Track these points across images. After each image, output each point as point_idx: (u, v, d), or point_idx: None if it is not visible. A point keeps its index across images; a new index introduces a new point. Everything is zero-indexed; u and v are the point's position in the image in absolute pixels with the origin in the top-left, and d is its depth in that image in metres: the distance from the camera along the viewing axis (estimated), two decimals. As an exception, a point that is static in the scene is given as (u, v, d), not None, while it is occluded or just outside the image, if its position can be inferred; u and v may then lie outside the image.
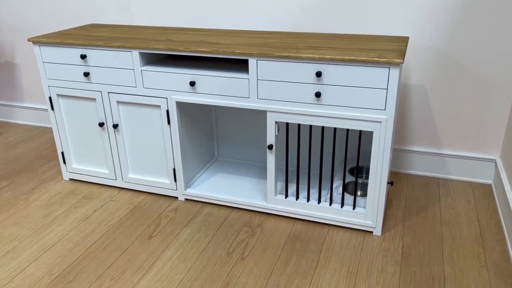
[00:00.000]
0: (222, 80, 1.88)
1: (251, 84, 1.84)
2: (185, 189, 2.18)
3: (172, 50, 1.89)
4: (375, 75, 1.66)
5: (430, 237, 1.90)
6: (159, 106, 2.04)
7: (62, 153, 2.35)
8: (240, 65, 2.00)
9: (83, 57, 2.04)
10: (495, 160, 2.25)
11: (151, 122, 2.09)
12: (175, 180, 2.17)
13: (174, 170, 2.15)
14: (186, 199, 2.21)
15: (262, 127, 2.38)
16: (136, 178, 2.25)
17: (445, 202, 2.15)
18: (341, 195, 1.96)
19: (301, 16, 2.27)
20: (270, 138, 1.90)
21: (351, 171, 2.16)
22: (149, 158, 2.18)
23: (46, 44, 2.10)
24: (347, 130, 1.80)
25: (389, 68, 1.63)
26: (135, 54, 1.97)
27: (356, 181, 1.89)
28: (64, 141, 2.31)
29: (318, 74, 1.71)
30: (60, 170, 2.52)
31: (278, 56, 1.74)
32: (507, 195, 1.93)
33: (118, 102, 2.11)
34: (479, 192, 2.23)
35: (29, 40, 2.10)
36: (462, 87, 2.17)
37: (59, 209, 2.15)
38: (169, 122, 2.05)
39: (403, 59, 1.62)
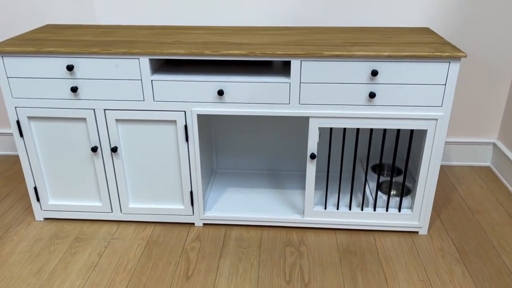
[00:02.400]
0: (257, 86, 1.63)
1: (292, 89, 1.63)
2: (204, 213, 1.89)
3: (196, 54, 1.59)
4: (434, 71, 1.57)
5: (472, 229, 1.90)
6: (173, 122, 1.72)
7: (35, 188, 1.88)
8: (263, 68, 1.77)
9: (70, 68, 1.63)
10: (493, 143, 2.33)
11: (162, 141, 1.76)
12: (191, 204, 1.87)
13: (191, 193, 1.84)
14: (205, 224, 1.92)
15: (262, 134, 2.15)
16: (139, 207, 1.90)
17: (461, 190, 2.18)
18: (385, 199, 1.85)
19: (302, 9, 2.08)
20: (312, 146, 1.72)
21: (373, 169, 2.07)
22: (157, 183, 1.84)
23: (13, 54, 1.63)
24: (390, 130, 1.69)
25: (450, 62, 1.55)
26: (144, 61, 1.62)
27: (391, 181, 1.80)
28: (37, 174, 1.85)
29: (374, 73, 1.57)
30: (29, 210, 2.03)
31: (328, 55, 1.55)
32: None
33: (117, 120, 1.73)
34: (484, 176, 2.30)
35: (-13, 50, 1.62)
36: (461, 74, 2.20)
37: (52, 260, 1.72)
38: (187, 139, 1.74)
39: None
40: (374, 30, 1.88)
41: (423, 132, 1.70)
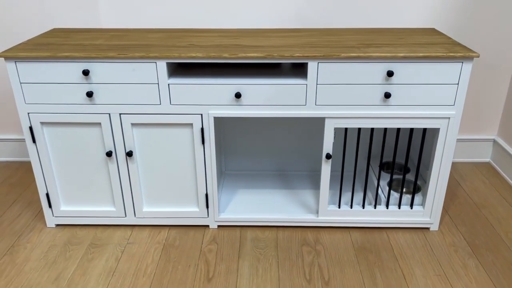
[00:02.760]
0: (274, 88, 1.65)
1: (309, 90, 1.65)
2: (219, 215, 1.90)
3: (215, 58, 1.59)
4: (447, 71, 1.61)
5: (479, 224, 1.95)
6: (189, 125, 1.72)
7: (47, 194, 1.86)
8: (273, 70, 1.79)
9: (86, 73, 1.61)
10: (493, 139, 2.40)
11: (177, 144, 1.76)
12: (207, 206, 1.87)
13: (206, 195, 1.85)
14: (219, 226, 1.93)
15: (268, 134, 2.17)
16: (153, 211, 1.89)
17: (466, 186, 2.23)
18: (396, 196, 1.89)
19: (307, 10, 2.11)
20: (328, 147, 1.74)
21: (381, 167, 2.11)
22: (172, 186, 1.84)
23: (27, 60, 1.61)
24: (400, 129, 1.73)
25: (463, 62, 1.59)
26: (161, 65, 1.62)
27: (403, 179, 1.84)
28: (49, 180, 1.83)
29: (390, 74, 1.60)
30: (39, 216, 2.00)
31: (345, 57, 1.58)
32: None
33: (133, 124, 1.73)
34: (485, 171, 2.37)
35: (0, 56, 1.59)
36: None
37: (69, 267, 1.71)
38: (203, 142, 1.74)
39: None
40: (382, 31, 1.91)
41: (434, 131, 1.74)
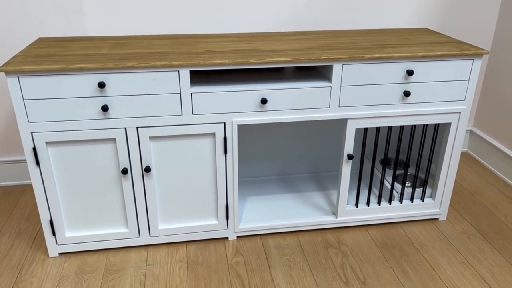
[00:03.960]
0: (300, 92, 1.63)
1: (333, 92, 1.65)
2: (239, 225, 1.84)
3: (242, 64, 1.54)
4: (459, 68, 1.69)
5: (479, 210, 2.07)
6: (211, 135, 1.65)
7: (51, 221, 1.69)
8: (276, 73, 1.77)
9: (101, 85, 1.48)
10: (470, 130, 2.57)
11: (197, 156, 1.68)
12: (227, 218, 1.81)
13: (226, 206, 1.78)
14: (238, 237, 1.87)
15: (274, 139, 2.15)
16: (169, 228, 1.79)
17: (454, 175, 2.37)
18: (407, 191, 1.95)
19: (303, 14, 2.12)
20: (349, 147, 1.76)
21: (382, 163, 2.17)
22: (189, 200, 1.75)
23: (32, 74, 1.45)
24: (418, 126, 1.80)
25: (473, 59, 1.69)
26: (184, 73, 1.53)
27: (416, 174, 1.91)
28: (53, 205, 1.66)
29: (410, 73, 1.65)
30: (36, 246, 1.81)
31: (369, 58, 1.60)
32: (497, 154, 2.25)
33: (151, 138, 1.62)
34: (466, 160, 2.52)
35: (1, 70, 1.41)
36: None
37: (90, 298, 1.56)
38: (225, 151, 1.68)
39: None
40: (385, 32, 1.97)
41: (442, 126, 1.83)
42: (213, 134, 1.65)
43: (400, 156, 2.20)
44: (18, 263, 1.72)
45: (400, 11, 2.18)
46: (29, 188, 2.23)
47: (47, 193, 1.63)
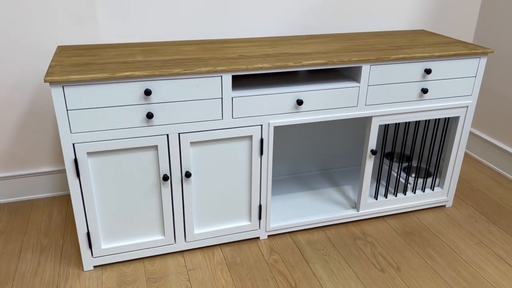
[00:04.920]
0: (331, 92, 1.71)
1: (361, 92, 1.75)
2: (270, 225, 1.89)
3: (281, 67, 1.60)
4: (467, 65, 1.85)
5: (477, 195, 2.27)
6: (248, 137, 1.69)
7: (88, 234, 1.65)
8: (292, 76, 1.85)
9: (148, 92, 1.48)
10: (454, 122, 2.78)
11: (234, 158, 1.71)
12: (259, 218, 1.85)
13: (260, 207, 1.83)
14: (269, 236, 1.92)
15: (284, 140, 2.22)
16: (204, 232, 1.80)
17: (447, 165, 2.56)
18: (420, 182, 2.10)
19: (310, 17, 2.21)
20: (372, 143, 1.87)
21: (386, 156, 2.31)
22: (224, 202, 1.78)
23: (79, 84, 1.42)
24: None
25: (480, 58, 1.85)
26: (227, 78, 1.56)
27: (409, 165, 2.06)
28: (91, 216, 1.62)
29: (428, 71, 1.78)
30: (65, 261, 1.75)
31: (394, 58, 1.72)
32: (482, 144, 2.47)
33: (191, 143, 1.63)
34: (452, 151, 2.73)
35: (46, 80, 1.37)
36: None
37: (141, 308, 1.55)
38: (261, 153, 1.72)
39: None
40: (391, 34, 2.10)
41: (450, 120, 1.99)
42: (250, 137, 1.69)
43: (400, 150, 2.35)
44: (52, 280, 1.66)
45: (394, 13, 2.33)
46: (37, 202, 2.14)
47: (85, 205, 1.60)
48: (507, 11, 2.33)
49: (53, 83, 1.40)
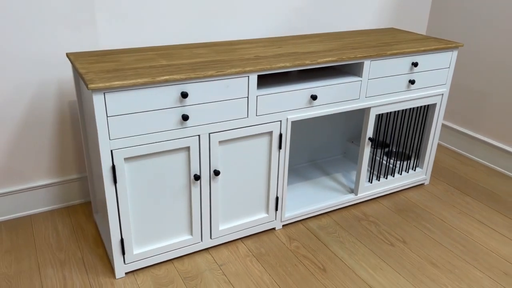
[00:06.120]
0: (339, 87, 1.87)
1: (362, 85, 1.93)
2: (285, 215, 2.01)
3: (300, 65, 1.72)
4: (443, 58, 2.11)
5: (446, 172, 2.57)
6: (269, 133, 1.79)
7: (122, 240, 1.64)
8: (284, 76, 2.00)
9: (184, 95, 1.53)
10: (411, 110, 3.09)
11: (255, 154, 1.80)
12: (276, 209, 1.96)
13: (277, 198, 1.93)
14: (283, 226, 2.03)
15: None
16: (227, 228, 1.87)
17: (413, 148, 2.85)
18: (404, 164, 2.34)
19: (294, 18, 2.35)
20: (370, 132, 2.06)
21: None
22: (245, 197, 1.86)
23: (120, 89, 1.43)
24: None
25: (453, 51, 2.13)
26: (253, 78, 1.65)
27: (390, 151, 2.31)
28: (125, 223, 1.62)
29: (415, 64, 2.01)
30: (93, 271, 1.72)
31: (390, 54, 1.92)
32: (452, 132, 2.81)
33: (220, 142, 1.69)
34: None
35: (89, 88, 1.36)
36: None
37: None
38: (280, 147, 1.83)
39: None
40: (372, 32, 2.31)
41: (428, 107, 2.24)
42: (270, 133, 1.79)
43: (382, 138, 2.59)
44: (86, 291, 1.63)
45: (363, 14, 2.56)
46: (36, 218, 2.04)
47: (120, 211, 1.59)
48: (454, 11, 2.66)
49: (95, 90, 1.39)
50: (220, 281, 1.70)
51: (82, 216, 2.07)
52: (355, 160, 2.53)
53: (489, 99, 2.59)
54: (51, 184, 2.06)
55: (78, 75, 1.74)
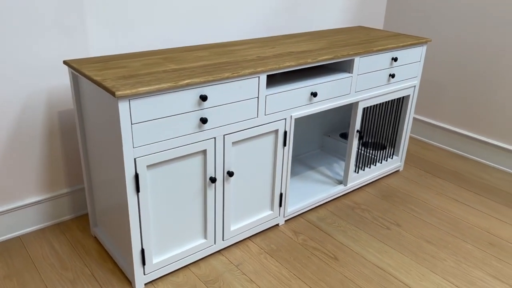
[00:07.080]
0: (334, 83, 1.96)
1: (353, 81, 2.04)
2: (287, 210, 2.06)
3: (303, 64, 1.78)
4: (415, 53, 2.29)
5: (413, 158, 2.78)
6: (274, 131, 1.83)
7: (142, 250, 1.60)
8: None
9: (204, 98, 1.53)
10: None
11: (261, 152, 1.84)
12: (280, 205, 2.01)
13: (281, 195, 1.98)
14: (285, 221, 2.09)
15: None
16: (238, 228, 1.89)
17: (379, 139, 3.03)
18: (380, 154, 2.49)
19: (272, 18, 2.41)
20: (358, 125, 2.17)
21: (342, 136, 2.67)
22: (252, 196, 1.89)
23: (144, 96, 1.39)
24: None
25: (423, 46, 2.31)
26: (263, 78, 1.69)
27: (367, 142, 2.48)
28: (146, 232, 1.59)
29: (395, 59, 2.16)
30: (107, 286, 1.65)
31: (376, 50, 2.05)
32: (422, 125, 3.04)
33: (233, 143, 1.71)
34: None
35: (117, 96, 1.32)
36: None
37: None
38: (285, 144, 1.89)
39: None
40: (346, 30, 2.43)
41: (401, 100, 2.42)
42: (276, 131, 1.84)
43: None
44: (109, 307, 1.57)
45: (330, 13, 2.68)
46: (26, 238, 1.91)
47: (141, 221, 1.55)
48: (407, 7, 2.88)
49: (122, 97, 1.35)
50: (242, 280, 1.71)
51: (77, 232, 1.97)
52: (333, 153, 2.65)
53: (444, 89, 2.84)
54: (40, 201, 1.93)
55: (82, 83, 1.66)
